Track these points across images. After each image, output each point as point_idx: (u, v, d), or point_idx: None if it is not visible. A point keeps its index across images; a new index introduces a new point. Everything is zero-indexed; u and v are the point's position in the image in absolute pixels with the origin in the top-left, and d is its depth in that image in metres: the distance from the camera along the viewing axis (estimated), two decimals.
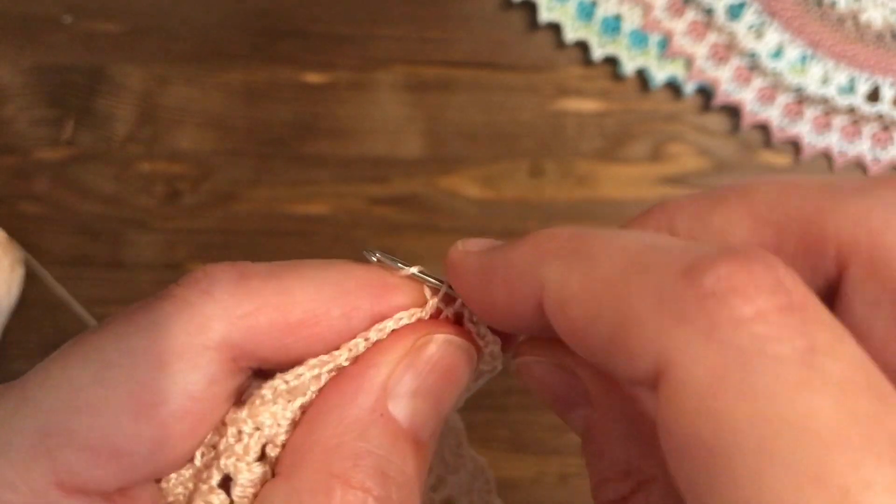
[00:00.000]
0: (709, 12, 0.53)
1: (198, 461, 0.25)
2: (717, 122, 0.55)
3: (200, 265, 0.25)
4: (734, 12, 0.53)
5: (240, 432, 0.24)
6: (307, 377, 0.24)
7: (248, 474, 0.24)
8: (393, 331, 0.25)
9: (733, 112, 0.55)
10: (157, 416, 0.22)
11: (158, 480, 0.25)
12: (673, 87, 0.55)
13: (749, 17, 0.53)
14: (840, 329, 0.17)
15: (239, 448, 0.24)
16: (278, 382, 0.24)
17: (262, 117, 0.55)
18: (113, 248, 0.54)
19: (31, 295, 0.53)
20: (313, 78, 0.55)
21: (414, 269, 0.26)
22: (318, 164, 0.54)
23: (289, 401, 0.25)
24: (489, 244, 0.25)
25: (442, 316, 0.26)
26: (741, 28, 0.53)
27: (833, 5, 0.53)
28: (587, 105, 0.55)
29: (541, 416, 0.53)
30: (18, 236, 0.52)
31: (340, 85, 0.55)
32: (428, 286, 0.26)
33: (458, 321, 0.26)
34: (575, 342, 0.20)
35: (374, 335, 0.25)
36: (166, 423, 0.23)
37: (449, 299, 0.26)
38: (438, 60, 0.55)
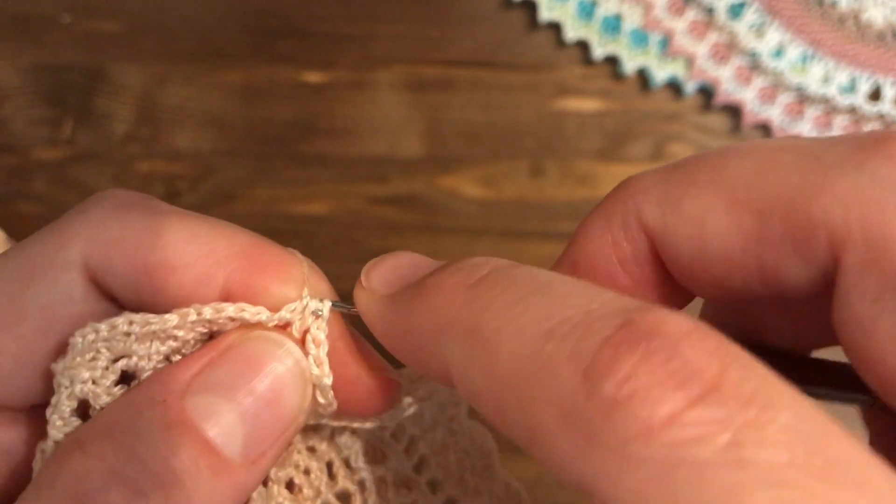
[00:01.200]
0: (709, 11, 0.53)
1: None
2: (717, 121, 0.55)
3: None
4: (735, 11, 0.53)
5: (58, 384, 0.23)
6: (121, 329, 0.22)
7: (56, 431, 0.22)
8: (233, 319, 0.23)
9: (734, 112, 0.55)
10: (20, 332, 0.22)
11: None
12: (673, 87, 0.55)
13: (750, 16, 0.53)
14: (768, 388, 0.15)
15: (53, 399, 0.23)
16: (88, 330, 0.23)
17: (261, 117, 0.54)
18: None
19: None
20: (313, 77, 0.55)
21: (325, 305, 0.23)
22: (318, 164, 0.54)
23: (113, 360, 0.23)
24: (398, 277, 0.22)
25: (292, 329, 0.23)
26: (742, 27, 0.53)
27: (834, 5, 0.53)
28: (587, 105, 0.55)
29: None
30: (17, 236, 0.52)
31: (340, 84, 0.54)
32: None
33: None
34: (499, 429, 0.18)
35: (208, 312, 0.22)
36: (29, 339, 0.22)
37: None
38: (438, 60, 0.55)
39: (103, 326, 0.22)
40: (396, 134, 0.54)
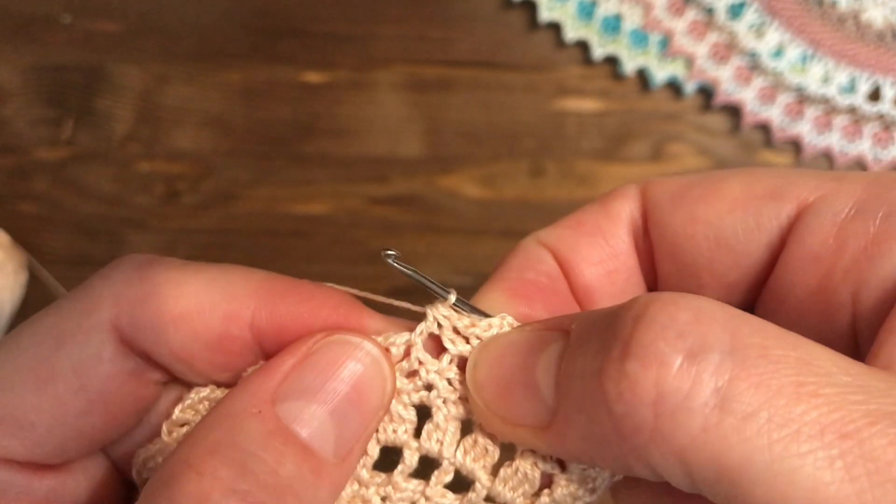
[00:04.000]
0: (709, 12, 0.53)
1: (165, 436, 0.25)
2: (717, 121, 0.55)
3: None
4: (735, 12, 0.53)
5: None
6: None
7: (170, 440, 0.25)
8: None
9: (734, 112, 0.55)
10: (54, 391, 0.24)
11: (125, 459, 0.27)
12: (673, 87, 0.55)
13: (749, 16, 0.53)
14: None
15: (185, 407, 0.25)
16: (258, 366, 0.24)
17: (261, 117, 0.54)
18: (112, 247, 0.54)
19: (31, 296, 0.52)
20: (313, 78, 0.55)
21: (422, 278, 0.25)
22: (318, 164, 0.54)
23: None
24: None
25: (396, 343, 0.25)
26: (742, 27, 0.53)
27: (834, 5, 0.53)
28: (587, 105, 0.55)
29: None
30: (17, 236, 0.52)
31: (340, 85, 0.55)
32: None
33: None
34: None
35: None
36: (62, 397, 0.24)
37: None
38: (439, 60, 0.55)
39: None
40: (396, 134, 0.54)
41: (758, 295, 0.27)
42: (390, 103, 0.54)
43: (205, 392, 0.25)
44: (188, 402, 0.25)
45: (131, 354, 0.25)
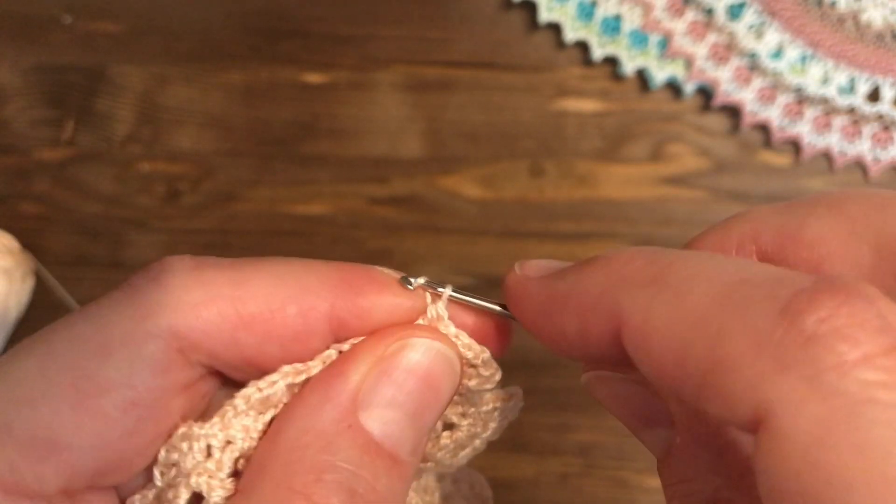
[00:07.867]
0: (709, 12, 0.53)
1: (158, 481, 0.23)
2: (717, 122, 0.55)
3: None
4: (734, 12, 0.53)
5: (209, 447, 0.22)
6: (281, 385, 0.22)
7: (221, 491, 0.22)
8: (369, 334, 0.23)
9: (733, 112, 0.55)
10: (98, 407, 0.21)
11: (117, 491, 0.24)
12: (673, 87, 0.55)
13: (749, 17, 0.53)
14: None
15: (210, 465, 0.22)
16: (252, 390, 0.22)
17: (262, 117, 0.55)
18: (113, 248, 0.54)
19: (37, 301, 0.53)
20: (313, 78, 0.55)
21: (448, 290, 0.24)
22: (318, 164, 0.54)
23: (260, 412, 0.23)
24: (550, 267, 0.23)
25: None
26: (741, 28, 0.53)
27: (833, 5, 0.53)
28: (587, 105, 0.55)
29: (541, 416, 0.53)
30: (18, 236, 0.52)
31: (340, 85, 0.55)
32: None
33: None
34: (658, 377, 0.19)
35: (348, 347, 0.23)
36: (109, 415, 0.21)
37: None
38: (438, 60, 0.55)
39: (263, 384, 0.23)
40: (396, 134, 0.54)
41: None
42: (390, 103, 0.55)
43: (182, 430, 0.23)
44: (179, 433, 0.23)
45: (188, 365, 0.22)
